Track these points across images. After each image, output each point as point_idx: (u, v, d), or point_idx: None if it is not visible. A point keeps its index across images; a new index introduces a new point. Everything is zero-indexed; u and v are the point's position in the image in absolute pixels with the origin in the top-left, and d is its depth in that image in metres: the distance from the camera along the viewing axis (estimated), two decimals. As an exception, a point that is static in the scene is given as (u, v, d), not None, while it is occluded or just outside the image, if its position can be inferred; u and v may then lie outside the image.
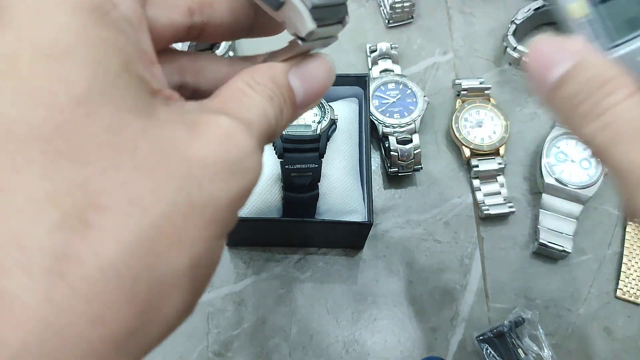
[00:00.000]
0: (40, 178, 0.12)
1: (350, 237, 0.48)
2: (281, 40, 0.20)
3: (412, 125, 0.51)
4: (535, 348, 0.46)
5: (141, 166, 0.13)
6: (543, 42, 0.19)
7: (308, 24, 0.16)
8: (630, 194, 0.16)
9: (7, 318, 0.11)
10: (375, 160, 0.54)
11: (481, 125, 0.53)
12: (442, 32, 0.61)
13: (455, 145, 0.54)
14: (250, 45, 0.57)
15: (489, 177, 0.52)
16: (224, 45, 0.53)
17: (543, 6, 0.57)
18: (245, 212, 0.45)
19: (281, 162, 0.43)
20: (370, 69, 0.57)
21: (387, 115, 0.52)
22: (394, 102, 0.53)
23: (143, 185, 0.12)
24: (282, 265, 0.49)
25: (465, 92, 0.55)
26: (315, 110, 0.45)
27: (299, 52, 0.18)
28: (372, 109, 0.52)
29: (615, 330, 0.48)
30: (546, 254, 0.50)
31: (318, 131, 0.43)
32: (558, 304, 0.49)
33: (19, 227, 0.11)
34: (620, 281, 0.49)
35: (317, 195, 0.45)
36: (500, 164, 0.52)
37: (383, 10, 0.61)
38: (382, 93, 0.53)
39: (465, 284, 0.49)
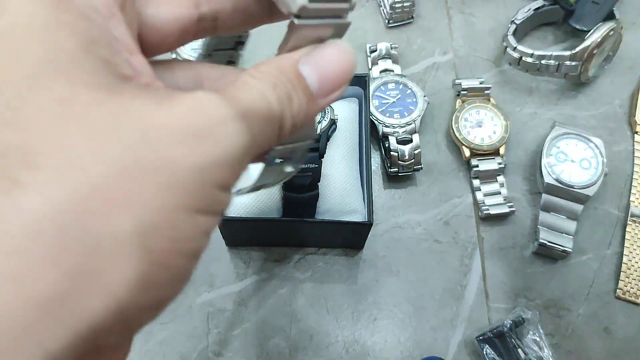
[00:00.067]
0: None
1: (350, 237, 0.48)
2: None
3: (412, 125, 0.51)
4: (535, 348, 0.46)
5: (88, 132, 0.12)
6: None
7: None
8: None
9: None
10: (375, 160, 0.54)
11: (481, 125, 0.53)
12: (442, 32, 0.61)
13: (455, 145, 0.54)
14: (252, 49, 0.57)
15: (489, 177, 0.52)
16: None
17: (543, 6, 0.57)
18: (245, 212, 0.45)
19: (281, 162, 0.43)
20: (370, 69, 0.57)
21: (387, 115, 0.52)
22: (394, 102, 0.53)
23: (85, 148, 0.12)
24: (282, 265, 0.49)
25: (465, 92, 0.55)
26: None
27: (306, 38, 0.17)
28: (372, 109, 0.52)
29: (615, 330, 0.48)
30: (546, 254, 0.50)
31: (318, 131, 0.43)
32: (558, 304, 0.49)
33: None
34: (620, 281, 0.49)
35: (317, 195, 0.45)
36: (500, 164, 0.52)
37: (383, 10, 0.61)
38: (382, 93, 0.53)
39: (465, 284, 0.49)
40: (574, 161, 0.51)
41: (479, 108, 0.54)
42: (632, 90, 0.58)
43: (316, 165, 0.43)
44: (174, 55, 0.48)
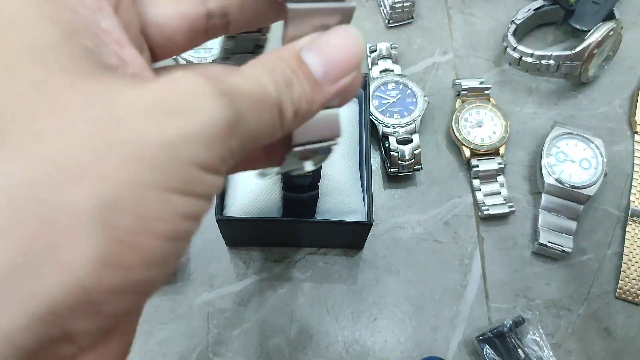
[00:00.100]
0: None
1: (350, 237, 0.48)
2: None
3: (412, 125, 0.51)
4: (535, 348, 0.46)
5: (55, 111, 0.12)
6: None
7: None
8: None
9: None
10: (375, 160, 0.54)
11: (481, 125, 0.53)
12: (442, 32, 0.61)
13: (455, 145, 0.54)
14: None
15: (489, 177, 0.52)
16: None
17: (543, 6, 0.57)
18: (245, 212, 0.45)
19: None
20: (370, 69, 0.57)
21: (387, 115, 0.52)
22: (394, 102, 0.53)
23: (50, 125, 0.12)
24: (282, 265, 0.49)
25: (465, 92, 0.55)
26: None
27: (309, 27, 0.16)
28: (372, 109, 0.52)
29: (615, 330, 0.48)
30: (546, 254, 0.50)
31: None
32: (558, 304, 0.49)
33: None
34: (620, 281, 0.49)
35: (317, 195, 0.45)
36: (500, 164, 0.52)
37: (383, 10, 0.61)
38: (382, 93, 0.53)
39: (465, 284, 0.49)
40: (574, 161, 0.51)
41: (479, 108, 0.54)
42: (632, 90, 0.58)
43: (316, 165, 0.43)
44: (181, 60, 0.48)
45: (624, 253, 0.50)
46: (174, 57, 0.22)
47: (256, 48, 0.48)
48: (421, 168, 0.52)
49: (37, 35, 0.13)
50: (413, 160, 0.51)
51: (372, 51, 0.57)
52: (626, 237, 0.51)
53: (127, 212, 0.12)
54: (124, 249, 0.12)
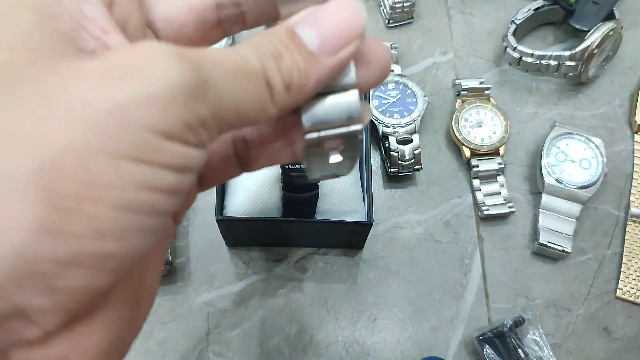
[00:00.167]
0: None
1: (350, 237, 0.48)
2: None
3: (412, 125, 0.51)
4: (535, 348, 0.46)
5: (10, 86, 0.12)
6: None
7: None
8: None
9: None
10: (375, 160, 0.54)
11: (481, 125, 0.53)
12: (442, 32, 0.61)
13: (455, 145, 0.54)
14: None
15: (489, 177, 0.52)
16: (225, 41, 0.52)
17: (543, 6, 0.57)
18: (245, 212, 0.45)
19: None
20: (370, 69, 0.57)
21: (387, 115, 0.52)
22: (394, 102, 0.53)
23: (0, 99, 0.12)
24: (282, 265, 0.49)
25: (465, 92, 0.55)
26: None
27: (301, 2, 0.16)
28: (372, 109, 0.52)
29: (615, 330, 0.48)
30: (546, 254, 0.50)
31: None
32: (558, 304, 0.49)
33: None
34: (620, 281, 0.49)
35: (317, 195, 0.45)
36: (500, 164, 0.52)
37: (383, 10, 0.61)
38: (382, 93, 0.53)
39: (465, 284, 0.49)
40: (574, 161, 0.51)
41: (479, 108, 0.54)
42: (632, 90, 0.58)
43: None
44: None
45: (624, 253, 0.50)
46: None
47: None
48: (421, 168, 0.52)
49: (10, 21, 0.13)
50: (413, 160, 0.51)
51: (372, 51, 0.57)
52: (626, 237, 0.51)
53: (68, 178, 0.11)
54: (67, 215, 0.11)
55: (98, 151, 0.12)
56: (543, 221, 0.50)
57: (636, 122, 0.55)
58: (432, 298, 0.49)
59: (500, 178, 0.52)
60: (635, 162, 0.54)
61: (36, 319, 0.12)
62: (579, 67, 0.54)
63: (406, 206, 0.52)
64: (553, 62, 0.54)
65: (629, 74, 0.59)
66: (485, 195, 0.52)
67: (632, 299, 0.49)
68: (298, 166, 0.42)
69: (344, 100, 0.16)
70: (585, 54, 0.53)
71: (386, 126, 0.51)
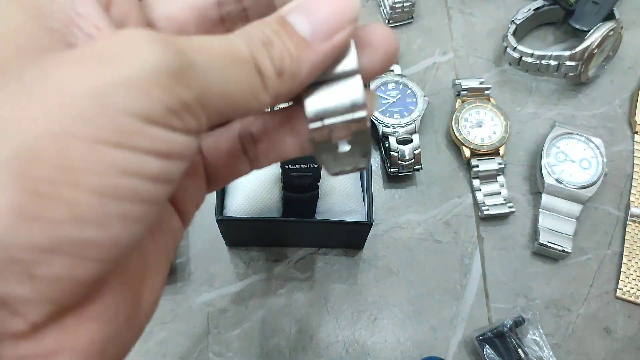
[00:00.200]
0: None
1: (350, 237, 0.48)
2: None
3: (412, 125, 0.51)
4: (535, 348, 0.46)
5: None
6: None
7: None
8: None
9: None
10: (375, 160, 0.54)
11: (481, 125, 0.53)
12: (442, 32, 0.61)
13: (455, 145, 0.54)
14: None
15: (489, 177, 0.52)
16: None
17: (543, 6, 0.57)
18: (245, 212, 0.45)
19: (281, 162, 0.43)
20: (370, 69, 0.57)
21: (387, 115, 0.52)
22: (394, 102, 0.53)
23: None
24: (282, 265, 0.49)
25: (465, 92, 0.55)
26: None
27: None
28: (372, 109, 0.52)
29: (615, 330, 0.48)
30: (546, 254, 0.50)
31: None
32: (558, 304, 0.49)
33: None
34: (620, 281, 0.49)
35: (317, 195, 0.45)
36: (500, 164, 0.52)
37: (383, 10, 0.61)
38: (382, 93, 0.53)
39: (465, 284, 0.49)
40: (574, 161, 0.51)
41: (479, 108, 0.54)
42: (632, 90, 0.58)
43: (316, 165, 0.43)
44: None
45: (624, 253, 0.50)
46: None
47: None
48: (421, 168, 0.52)
49: (5, 18, 0.13)
50: (413, 160, 0.51)
51: (372, 51, 0.57)
52: (626, 237, 0.51)
53: (45, 163, 0.11)
54: (43, 201, 0.11)
55: (76, 136, 0.12)
56: (543, 221, 0.50)
57: (636, 122, 0.55)
58: (432, 298, 0.49)
59: (500, 178, 0.52)
60: (635, 162, 0.54)
61: (20, 309, 0.12)
62: (579, 67, 0.54)
63: (406, 206, 0.52)
64: (553, 62, 0.54)
65: (629, 74, 0.59)
66: (485, 195, 0.52)
67: (632, 299, 0.49)
68: (298, 166, 0.42)
69: (346, 87, 0.16)
70: (585, 54, 0.53)
71: (386, 126, 0.51)
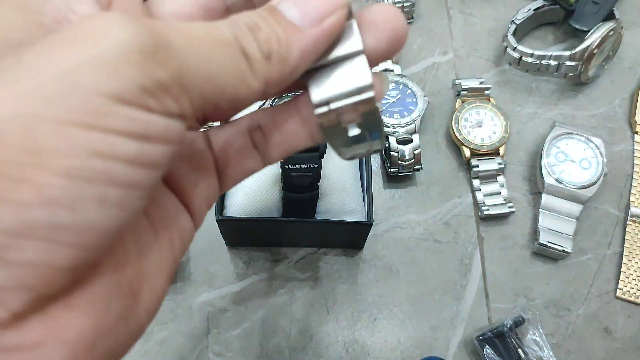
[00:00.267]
0: None
1: (350, 237, 0.48)
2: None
3: (412, 125, 0.51)
4: (535, 348, 0.46)
5: None
6: None
7: None
8: None
9: None
10: (375, 160, 0.54)
11: (481, 125, 0.53)
12: (442, 32, 0.61)
13: (455, 145, 0.54)
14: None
15: (489, 177, 0.52)
16: None
17: (543, 6, 0.57)
18: (245, 212, 0.45)
19: (281, 162, 0.43)
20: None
21: (387, 115, 0.52)
22: (394, 102, 0.53)
23: None
24: (282, 265, 0.49)
25: (465, 92, 0.55)
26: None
27: None
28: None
29: (615, 330, 0.48)
30: (546, 254, 0.50)
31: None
32: (558, 304, 0.49)
33: None
34: (620, 281, 0.49)
35: (317, 195, 0.45)
36: (500, 164, 0.52)
37: (383, 10, 0.61)
38: (382, 93, 0.53)
39: (465, 284, 0.49)
40: (574, 161, 0.51)
41: (479, 108, 0.54)
42: (632, 90, 0.58)
43: (316, 165, 0.43)
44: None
45: (624, 253, 0.50)
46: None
47: None
48: (421, 168, 0.52)
49: (1, 20, 0.15)
50: (413, 160, 0.51)
51: (372, 51, 0.57)
52: (626, 237, 0.51)
53: (12, 145, 0.11)
54: (10, 183, 0.11)
55: (45, 118, 0.11)
56: (543, 221, 0.50)
57: (636, 122, 0.55)
58: (432, 298, 0.49)
59: (500, 178, 0.52)
60: (635, 162, 0.54)
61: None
62: (579, 67, 0.54)
63: (406, 206, 0.52)
64: (553, 62, 0.54)
65: (629, 74, 0.59)
66: (485, 195, 0.52)
67: (632, 299, 0.49)
68: (298, 166, 0.42)
69: (351, 68, 0.16)
70: (585, 54, 0.53)
71: (386, 126, 0.51)
